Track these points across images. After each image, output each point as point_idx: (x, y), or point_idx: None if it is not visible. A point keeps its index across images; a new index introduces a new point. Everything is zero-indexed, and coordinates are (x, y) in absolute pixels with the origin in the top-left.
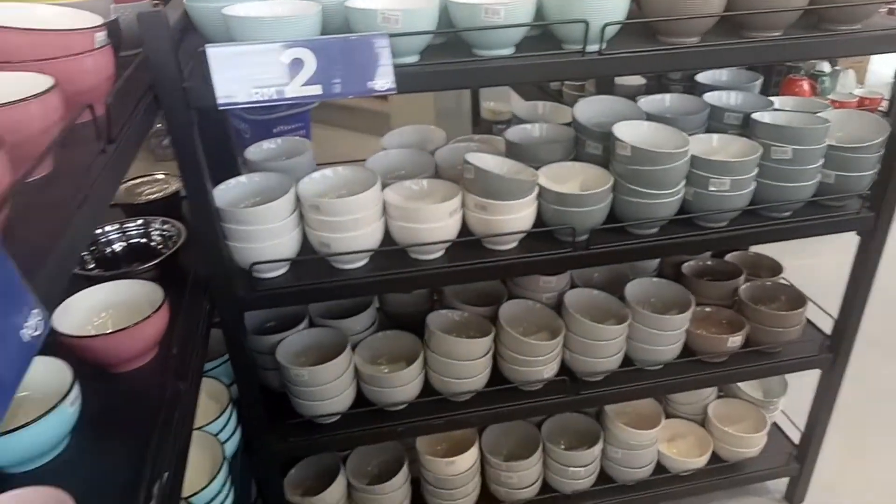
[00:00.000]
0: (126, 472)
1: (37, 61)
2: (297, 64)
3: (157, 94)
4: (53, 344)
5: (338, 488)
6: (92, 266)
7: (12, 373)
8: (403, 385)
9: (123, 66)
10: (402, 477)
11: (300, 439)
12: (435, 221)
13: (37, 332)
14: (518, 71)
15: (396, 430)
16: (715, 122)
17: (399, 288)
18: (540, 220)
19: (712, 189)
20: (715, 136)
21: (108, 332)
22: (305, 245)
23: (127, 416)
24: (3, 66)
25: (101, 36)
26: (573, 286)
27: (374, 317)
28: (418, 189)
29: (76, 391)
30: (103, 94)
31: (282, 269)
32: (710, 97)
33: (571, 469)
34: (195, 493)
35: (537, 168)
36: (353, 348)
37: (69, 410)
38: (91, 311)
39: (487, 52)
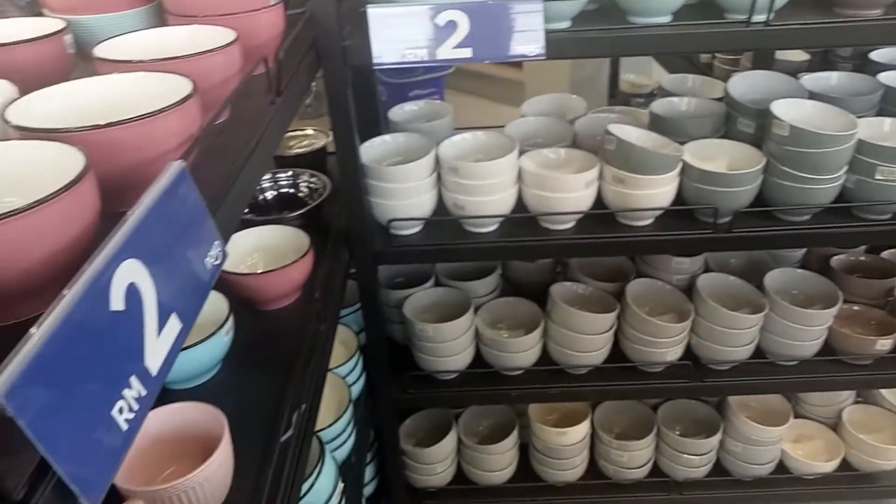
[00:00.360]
0: (269, 400)
1: (219, 16)
2: (450, 26)
3: (319, 52)
4: None
5: (449, 443)
6: (246, 211)
7: (200, 294)
8: (522, 351)
9: (290, 25)
10: (512, 441)
11: (418, 392)
12: (569, 191)
13: (217, 262)
14: (676, 40)
15: (510, 394)
16: (890, 105)
17: (527, 255)
18: (680, 197)
19: (879, 178)
20: (888, 121)
21: (259, 271)
22: (440, 206)
23: (272, 350)
24: (191, 20)
25: None
26: (707, 270)
27: (498, 282)
28: (555, 158)
29: (231, 322)
30: (274, 49)
31: (416, 228)
32: (885, 77)
33: (685, 456)
34: (323, 429)
35: (682, 143)
36: (476, 311)
37: (224, 339)
38: (244, 251)
39: (643, 20)
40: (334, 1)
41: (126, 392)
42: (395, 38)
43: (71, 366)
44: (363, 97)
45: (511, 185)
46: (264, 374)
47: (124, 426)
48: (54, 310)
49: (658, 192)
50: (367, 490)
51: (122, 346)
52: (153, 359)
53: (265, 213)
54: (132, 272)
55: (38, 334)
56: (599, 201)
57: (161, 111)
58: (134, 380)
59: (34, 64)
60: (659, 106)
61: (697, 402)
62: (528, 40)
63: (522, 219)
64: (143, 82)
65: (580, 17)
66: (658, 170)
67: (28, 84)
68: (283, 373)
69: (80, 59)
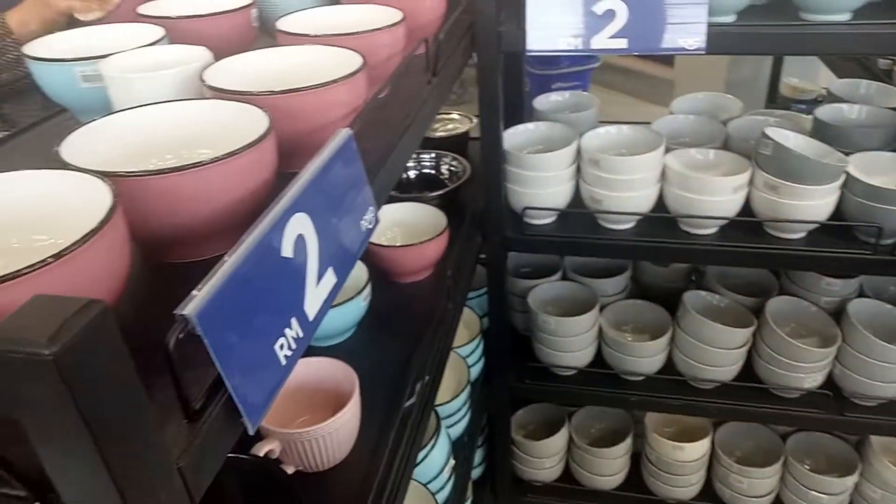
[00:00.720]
0: (397, 366)
1: None
2: (608, 15)
3: (474, 36)
4: None
5: (560, 440)
6: None
7: (355, 249)
8: (645, 357)
9: (450, 9)
10: (625, 447)
11: (535, 384)
12: (715, 195)
13: (370, 226)
14: (853, 41)
15: (629, 399)
16: None
17: (662, 257)
18: (838, 212)
19: None
20: None
21: (398, 244)
22: (577, 198)
23: (402, 321)
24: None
25: None
26: (861, 295)
27: (627, 283)
28: (702, 159)
29: (368, 289)
30: (434, 31)
31: (550, 218)
32: None
33: (814, 493)
34: (441, 404)
35: (847, 154)
36: (601, 309)
37: (361, 304)
38: (385, 225)
39: (818, 17)
40: None
41: (287, 331)
42: (551, 25)
43: (247, 301)
44: (509, 85)
45: (653, 182)
46: (393, 343)
47: (283, 361)
48: (238, 249)
49: (814, 203)
50: (475, 473)
51: (288, 289)
52: (311, 305)
53: (407, 190)
54: (301, 224)
55: (224, 267)
56: (747, 208)
57: (333, 82)
58: (294, 321)
59: (225, 34)
60: (825, 112)
61: (833, 438)
62: (688, 33)
63: (661, 219)
64: (318, 55)
65: (747, 12)
66: (817, 180)
67: (219, 52)
68: (411, 343)
69: (261, 33)
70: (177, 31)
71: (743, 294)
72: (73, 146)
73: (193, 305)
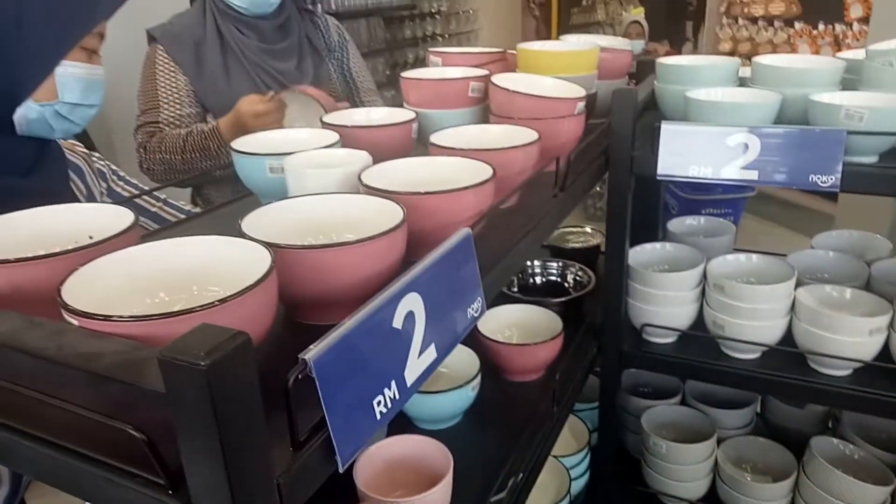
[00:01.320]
0: (493, 459)
1: (530, 119)
2: (740, 148)
3: (608, 158)
4: (469, 337)
5: None
6: (515, 289)
7: (459, 332)
8: (764, 500)
9: (588, 131)
10: None
11: None
12: (850, 335)
13: (476, 314)
14: None
15: None
16: None
17: (788, 394)
18: None
19: None
20: None
21: (512, 342)
22: (699, 321)
23: (506, 416)
24: (507, 121)
25: (580, 105)
26: None
27: (752, 417)
28: (838, 297)
29: (478, 380)
30: (568, 151)
31: (670, 338)
32: None
33: None
34: None
35: None
36: (719, 442)
37: (470, 394)
38: (504, 323)
39: None
40: (634, 115)
41: (386, 391)
42: (683, 153)
43: (357, 358)
44: (646, 204)
45: (780, 315)
46: (493, 436)
47: (378, 416)
48: (357, 313)
49: None
50: None
51: (393, 356)
52: (410, 373)
53: (531, 294)
54: (413, 303)
55: (342, 328)
56: (886, 353)
57: (462, 189)
58: (393, 384)
59: (389, 142)
60: None
61: None
62: (824, 171)
63: (790, 354)
64: (457, 165)
65: (891, 154)
66: None
67: (382, 155)
68: (510, 439)
69: (418, 143)
70: (350, 136)
71: (883, 448)
72: (252, 222)
73: (313, 353)
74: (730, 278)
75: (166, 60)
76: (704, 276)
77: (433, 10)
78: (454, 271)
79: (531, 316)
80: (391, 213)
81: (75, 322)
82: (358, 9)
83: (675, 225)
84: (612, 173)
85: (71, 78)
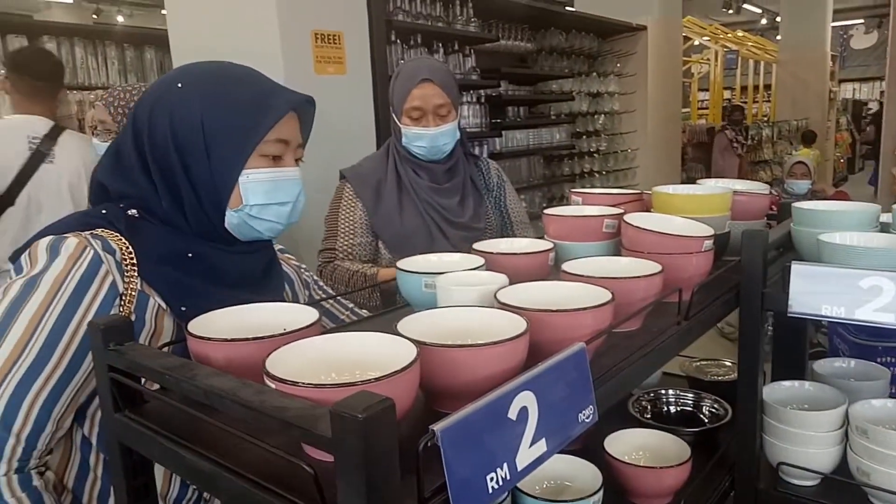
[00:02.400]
0: None
1: (659, 253)
2: (874, 290)
3: (739, 293)
4: (596, 456)
5: None
6: (648, 415)
7: (568, 433)
8: None
9: (718, 266)
10: None
11: None
12: None
13: (587, 420)
14: None
15: None
16: None
17: None
18: None
19: None
20: None
21: (639, 465)
22: (844, 465)
23: None
24: (638, 254)
25: (708, 243)
26: None
27: None
28: None
29: (599, 496)
30: (693, 284)
31: (811, 481)
32: None
33: None
34: None
35: None
36: None
37: None
38: (633, 446)
39: None
40: (764, 254)
41: (498, 470)
42: (815, 292)
43: (476, 437)
44: (790, 343)
45: None
46: None
47: (489, 490)
48: (480, 401)
49: None
50: None
51: (507, 441)
52: (521, 460)
53: (663, 421)
54: (527, 400)
55: (466, 410)
56: None
57: (581, 309)
58: (505, 466)
59: (528, 267)
60: None
61: None
62: None
63: None
64: (583, 291)
65: None
66: None
67: (520, 279)
68: None
69: (554, 269)
70: (494, 261)
71: None
72: (406, 324)
73: (441, 425)
74: (876, 423)
75: (351, 195)
76: (847, 418)
77: (591, 150)
78: (567, 378)
79: (661, 442)
80: (517, 325)
81: (273, 385)
82: (520, 149)
83: (821, 366)
84: (742, 308)
85: (253, 183)
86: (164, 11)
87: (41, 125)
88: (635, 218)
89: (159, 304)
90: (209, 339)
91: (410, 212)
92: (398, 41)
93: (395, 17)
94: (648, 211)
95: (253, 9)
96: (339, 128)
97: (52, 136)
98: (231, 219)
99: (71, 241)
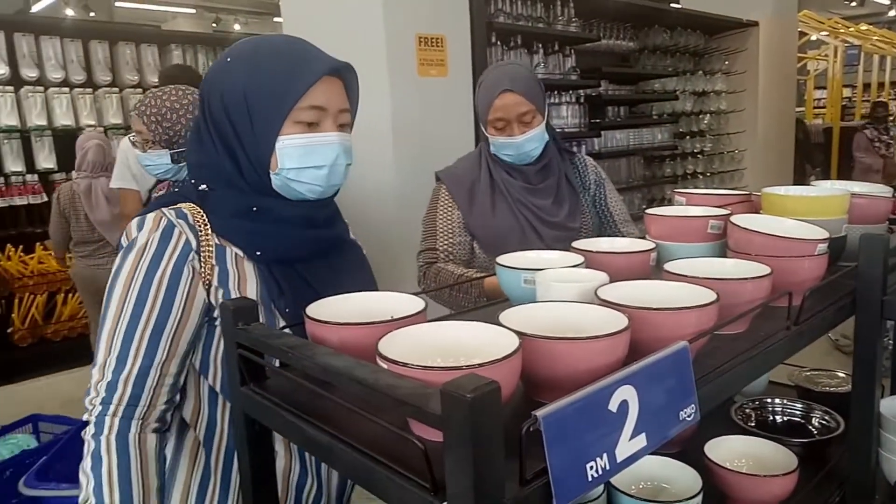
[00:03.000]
0: None
1: (767, 256)
2: None
3: (855, 300)
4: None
5: None
6: (752, 423)
7: (668, 429)
8: None
9: (833, 272)
10: None
11: None
12: None
13: (688, 418)
14: None
15: None
16: None
17: None
18: None
19: None
20: None
21: (744, 472)
22: None
23: None
24: (744, 256)
25: (822, 247)
26: None
27: None
28: None
29: (699, 500)
30: (804, 288)
31: None
32: None
33: None
34: None
35: None
36: None
37: None
38: (736, 453)
39: None
40: (881, 260)
41: (597, 459)
42: None
43: (577, 425)
44: None
45: None
46: None
47: (589, 478)
48: (582, 390)
49: None
50: None
51: (607, 433)
52: (620, 452)
53: (768, 431)
54: (628, 393)
55: (568, 399)
56: None
57: (682, 308)
58: (605, 455)
59: (629, 266)
60: None
61: None
62: None
63: None
64: (686, 291)
65: None
66: None
67: (619, 278)
68: None
69: (655, 268)
70: (594, 260)
71: None
72: (508, 316)
73: (543, 411)
74: None
75: (447, 197)
76: None
77: (695, 151)
78: (669, 375)
79: (765, 451)
80: (617, 322)
81: (385, 366)
82: (619, 149)
83: None
84: (859, 315)
85: (288, 148)
86: (276, 19)
87: None
88: (743, 219)
89: (236, 253)
90: (326, 322)
91: (504, 211)
92: (498, 42)
93: (496, 19)
94: (757, 213)
95: (360, 13)
96: (440, 130)
97: None
98: (275, 181)
99: (150, 216)
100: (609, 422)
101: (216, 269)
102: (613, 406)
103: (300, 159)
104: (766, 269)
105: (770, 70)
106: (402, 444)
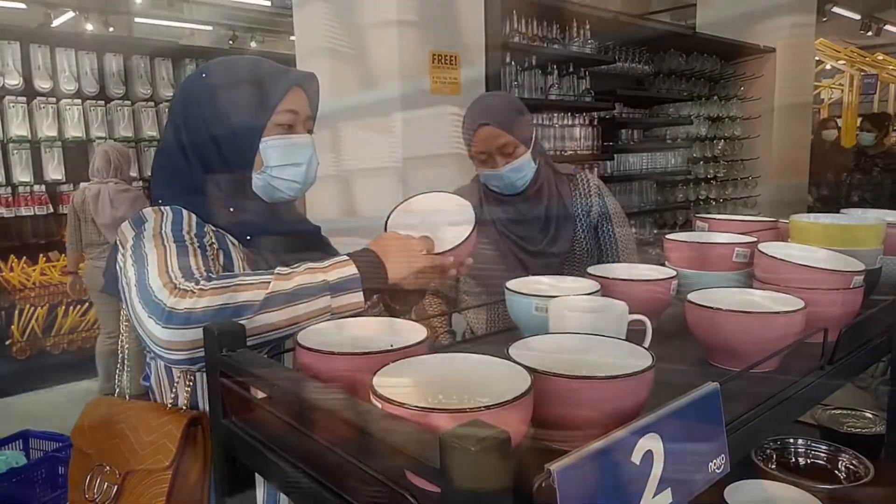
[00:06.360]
0: None
1: (797, 288)
2: None
3: (892, 338)
4: None
5: None
6: (773, 465)
7: (697, 483)
8: None
9: (868, 306)
10: None
11: None
12: None
13: (718, 470)
14: None
15: None
16: None
17: None
18: None
19: None
20: None
21: None
22: None
23: None
24: (771, 287)
25: (857, 279)
26: None
27: None
28: None
29: None
30: (839, 324)
31: None
32: None
33: None
34: None
35: None
36: None
37: None
38: (752, 496)
39: None
40: None
41: None
42: None
43: (595, 480)
44: None
45: None
46: None
47: None
48: (601, 440)
49: None
50: None
51: (628, 488)
52: None
53: (792, 473)
54: (652, 443)
55: (585, 450)
56: None
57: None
58: None
59: (647, 295)
60: None
61: None
62: None
63: None
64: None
65: None
66: None
67: (638, 308)
68: None
69: (676, 299)
70: (610, 287)
71: None
72: (515, 350)
73: (558, 465)
74: None
75: None
76: None
77: (708, 176)
78: (697, 422)
79: (789, 497)
80: (640, 358)
81: (379, 404)
82: (632, 172)
83: None
84: (894, 356)
85: (271, 148)
86: (292, 37)
87: None
88: (772, 247)
89: (230, 240)
90: (317, 350)
91: (484, 241)
92: (513, 62)
93: (512, 39)
94: (784, 241)
95: (375, 28)
96: (450, 151)
97: None
98: (257, 181)
99: (147, 210)
100: (631, 476)
101: (220, 252)
102: (637, 458)
103: (282, 157)
104: (799, 303)
105: (786, 96)
106: (398, 496)
